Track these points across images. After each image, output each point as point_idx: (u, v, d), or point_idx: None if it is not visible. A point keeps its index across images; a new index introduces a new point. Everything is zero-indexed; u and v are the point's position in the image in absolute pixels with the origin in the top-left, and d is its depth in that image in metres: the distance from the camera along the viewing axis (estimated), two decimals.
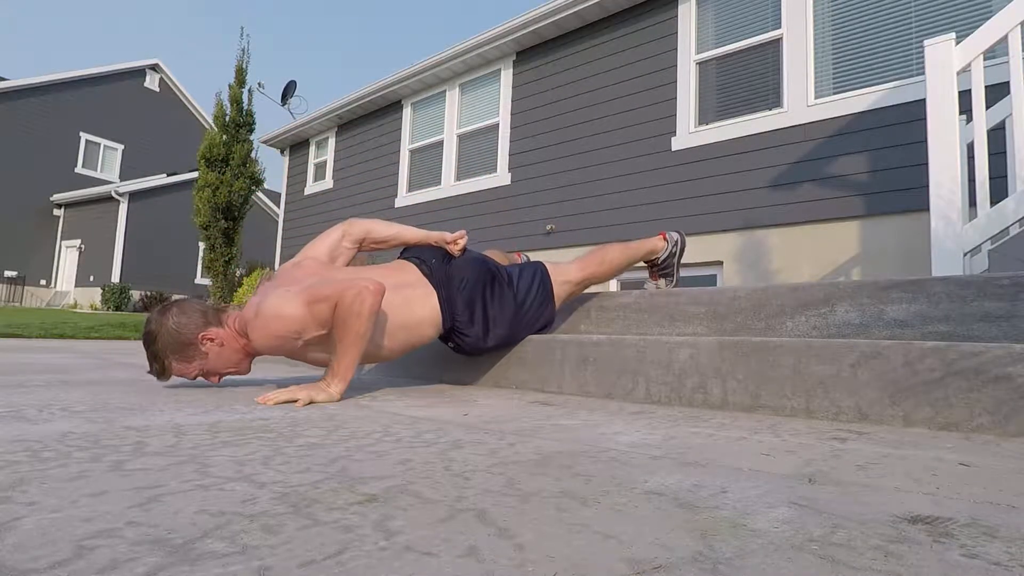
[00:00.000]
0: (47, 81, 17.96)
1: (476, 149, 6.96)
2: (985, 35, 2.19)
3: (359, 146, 8.57)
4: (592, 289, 2.18)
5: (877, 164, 4.05)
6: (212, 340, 1.58)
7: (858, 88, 4.24)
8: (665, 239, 2.16)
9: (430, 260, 1.75)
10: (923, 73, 2.37)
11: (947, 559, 0.48)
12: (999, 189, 2.35)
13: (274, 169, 42.36)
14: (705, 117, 5.04)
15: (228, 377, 1.79)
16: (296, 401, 1.36)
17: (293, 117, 9.73)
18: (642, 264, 2.20)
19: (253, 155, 8.37)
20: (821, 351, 1.25)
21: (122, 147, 19.86)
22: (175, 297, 1.70)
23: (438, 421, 1.16)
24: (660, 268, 2.17)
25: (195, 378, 1.63)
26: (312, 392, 1.40)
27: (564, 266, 1.98)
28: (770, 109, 4.64)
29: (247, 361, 1.66)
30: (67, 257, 18.42)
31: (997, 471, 0.79)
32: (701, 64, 5.12)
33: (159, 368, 1.59)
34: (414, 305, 1.66)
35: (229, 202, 8.16)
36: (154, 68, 20.75)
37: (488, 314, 1.75)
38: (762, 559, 0.47)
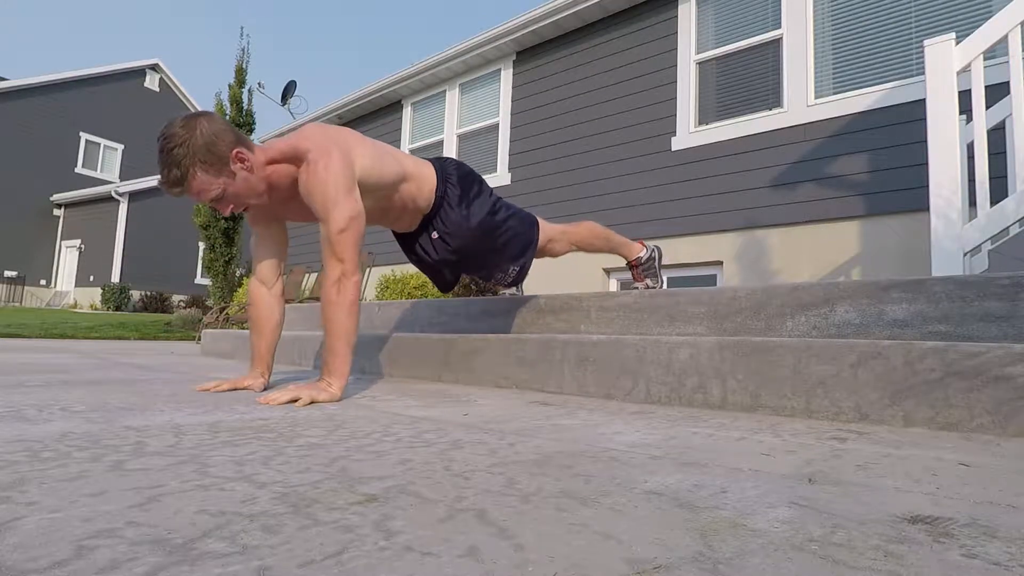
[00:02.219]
0: (47, 81, 17.96)
1: (476, 149, 6.96)
2: (985, 35, 2.19)
3: None
4: (592, 289, 2.20)
5: (877, 164, 4.05)
6: (243, 162, 1.48)
7: (858, 88, 4.24)
8: (644, 244, 2.33)
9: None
10: (923, 73, 2.37)
11: (947, 559, 0.48)
12: (999, 189, 2.35)
13: None
14: (705, 117, 5.04)
15: (225, 386, 1.69)
16: (298, 401, 1.37)
17: (293, 117, 9.73)
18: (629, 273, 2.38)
19: None
20: (821, 351, 1.25)
21: (122, 147, 19.86)
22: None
23: (438, 421, 1.16)
24: (644, 268, 2.29)
25: (210, 201, 1.49)
26: (313, 392, 1.41)
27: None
28: (770, 109, 4.64)
29: (266, 197, 1.59)
30: (67, 257, 18.42)
31: (997, 471, 0.79)
32: (701, 64, 5.12)
33: (178, 176, 1.41)
34: (420, 163, 1.84)
35: None
36: (154, 68, 20.75)
37: (473, 200, 1.89)
38: (762, 559, 0.47)
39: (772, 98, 4.66)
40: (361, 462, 0.79)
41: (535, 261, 2.12)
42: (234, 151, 1.45)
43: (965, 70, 2.25)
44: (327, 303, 1.48)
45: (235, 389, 1.64)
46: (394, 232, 2.05)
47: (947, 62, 2.26)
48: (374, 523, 0.54)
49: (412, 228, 1.93)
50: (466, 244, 1.88)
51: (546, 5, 5.86)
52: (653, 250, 2.30)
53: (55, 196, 18.08)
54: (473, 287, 4.71)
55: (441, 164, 1.91)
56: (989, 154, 2.20)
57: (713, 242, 4.81)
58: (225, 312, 6.86)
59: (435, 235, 1.89)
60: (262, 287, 1.77)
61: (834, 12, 4.44)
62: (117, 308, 15.26)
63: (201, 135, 1.41)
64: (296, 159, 1.54)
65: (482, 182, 1.96)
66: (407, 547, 0.48)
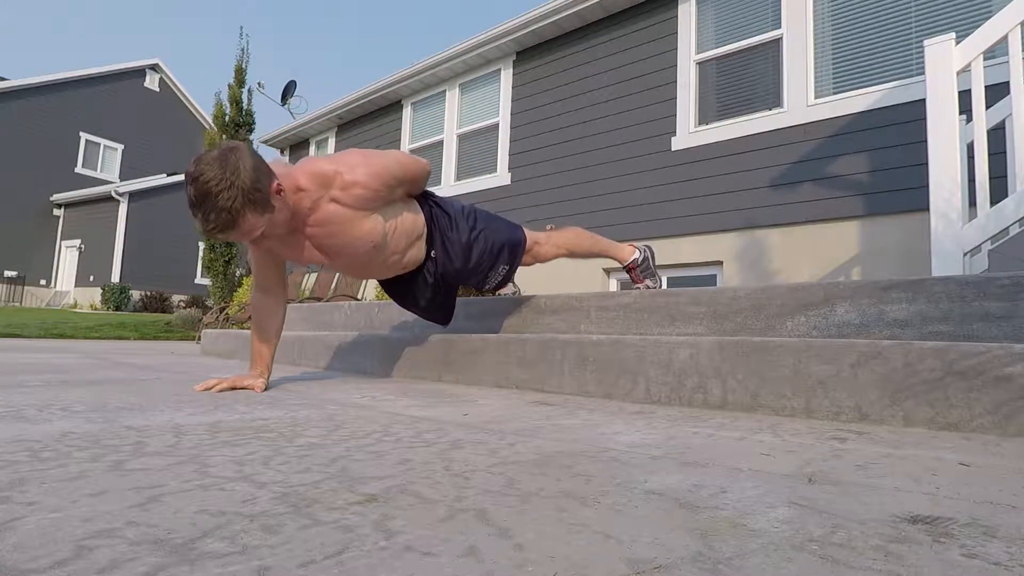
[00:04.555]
0: (47, 81, 17.96)
1: (476, 149, 6.96)
2: (985, 35, 2.19)
3: (359, 146, 8.57)
4: (592, 289, 2.20)
5: (877, 164, 4.05)
6: (281, 193, 1.39)
7: (858, 88, 4.24)
8: (634, 246, 2.30)
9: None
10: (923, 73, 2.37)
11: (947, 559, 0.48)
12: (999, 189, 2.35)
13: None
14: (705, 117, 5.04)
15: (224, 384, 1.68)
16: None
17: (293, 117, 9.73)
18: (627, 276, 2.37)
19: None
20: (821, 351, 1.25)
21: (122, 147, 19.87)
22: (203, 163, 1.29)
23: (438, 421, 1.16)
24: (641, 270, 2.27)
25: (249, 240, 1.43)
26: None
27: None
28: (770, 109, 4.64)
29: (288, 226, 1.53)
30: (67, 257, 18.42)
31: (997, 471, 0.79)
32: (701, 64, 5.12)
33: (229, 220, 1.30)
34: (416, 211, 1.82)
35: None
36: (154, 68, 20.75)
37: (454, 208, 1.91)
38: (762, 559, 0.47)
39: (772, 98, 4.66)
40: (361, 462, 0.79)
41: (536, 264, 2.12)
42: (274, 184, 1.37)
43: (965, 70, 2.24)
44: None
45: (234, 388, 1.64)
46: (389, 284, 2.03)
47: (947, 62, 2.26)
48: (374, 523, 0.54)
49: (419, 258, 1.87)
50: (462, 251, 1.86)
51: (546, 5, 5.86)
52: (645, 250, 2.29)
53: (55, 196, 18.08)
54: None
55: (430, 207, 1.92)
56: (989, 154, 2.20)
57: (713, 242, 4.81)
58: (225, 312, 6.86)
59: (433, 253, 1.86)
60: (266, 295, 1.77)
61: (834, 12, 4.44)
62: (117, 308, 15.26)
63: (246, 172, 1.30)
64: (325, 183, 1.50)
65: (450, 199, 1.97)
66: (407, 547, 0.48)
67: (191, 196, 1.30)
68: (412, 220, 1.77)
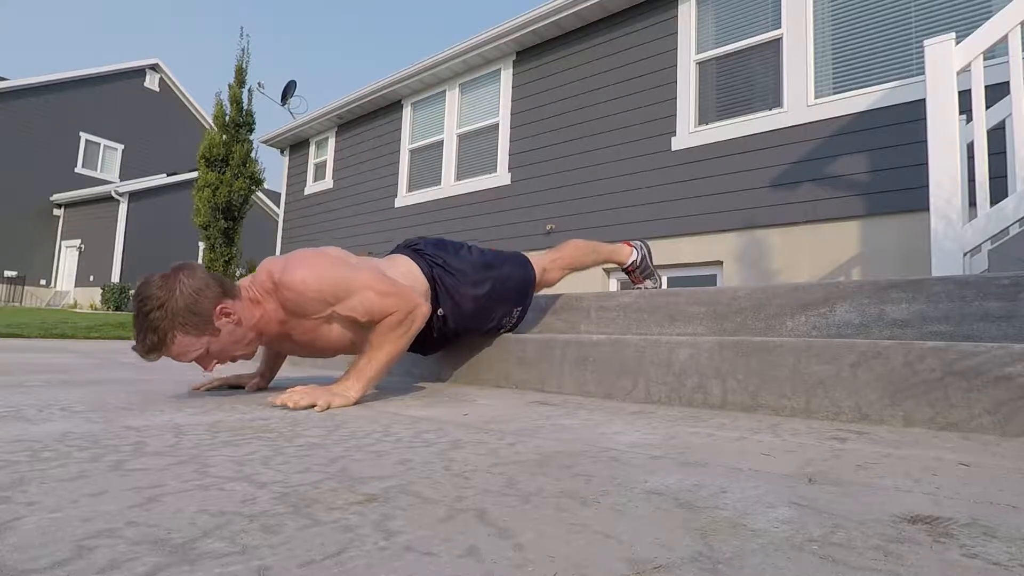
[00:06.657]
0: (47, 81, 17.95)
1: (476, 149, 6.96)
2: (985, 35, 2.19)
3: (359, 146, 8.57)
4: (592, 289, 2.20)
5: (877, 164, 4.05)
6: (229, 316, 1.34)
7: (858, 88, 4.24)
8: (631, 245, 2.26)
9: (422, 248, 1.77)
10: (923, 73, 2.37)
11: (947, 559, 0.48)
12: (999, 189, 2.35)
13: (274, 169, 42.42)
14: (705, 117, 5.04)
15: (218, 382, 1.66)
16: (315, 406, 1.28)
17: (293, 117, 9.73)
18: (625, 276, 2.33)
19: (253, 155, 8.36)
20: (821, 351, 1.25)
21: (122, 147, 19.86)
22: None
23: (438, 421, 1.16)
24: (640, 270, 2.25)
25: (190, 361, 1.36)
26: (330, 398, 1.32)
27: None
28: (770, 109, 4.65)
29: (255, 344, 1.46)
30: (67, 257, 18.42)
31: (997, 471, 0.79)
32: (701, 64, 5.12)
33: (155, 341, 1.28)
34: (396, 260, 1.70)
35: (229, 202, 8.15)
36: (154, 68, 20.75)
37: (462, 264, 1.76)
38: (762, 559, 0.47)
39: (772, 98, 4.66)
40: (361, 462, 0.79)
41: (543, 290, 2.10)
42: (218, 307, 1.32)
43: (965, 70, 2.25)
44: (388, 328, 1.44)
45: (231, 386, 1.65)
46: None
47: (947, 62, 2.26)
48: (374, 523, 0.54)
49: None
50: (471, 309, 1.77)
51: (546, 5, 5.86)
52: (641, 247, 2.26)
53: (55, 196, 18.08)
54: None
55: (413, 248, 1.77)
56: (989, 154, 2.20)
57: (713, 242, 4.81)
58: None
59: (440, 312, 1.73)
60: None
61: (834, 12, 4.44)
62: (117, 308, 15.26)
63: (181, 295, 1.28)
64: (270, 288, 1.40)
65: (458, 244, 1.84)
66: (407, 547, 0.48)
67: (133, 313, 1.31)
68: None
